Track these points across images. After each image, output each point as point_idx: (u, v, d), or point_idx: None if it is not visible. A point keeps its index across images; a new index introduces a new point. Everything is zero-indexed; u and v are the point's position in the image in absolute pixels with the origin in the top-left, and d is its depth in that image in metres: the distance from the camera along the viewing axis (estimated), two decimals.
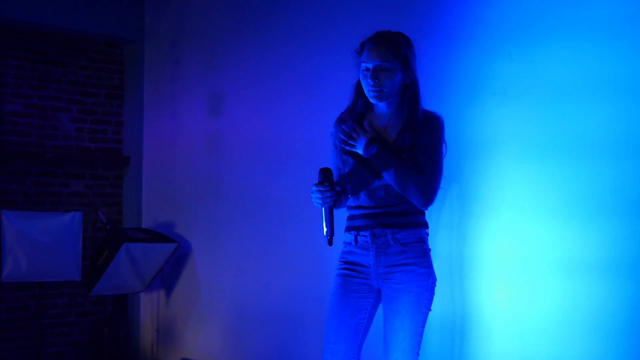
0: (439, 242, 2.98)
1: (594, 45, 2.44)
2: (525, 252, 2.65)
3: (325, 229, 2.44)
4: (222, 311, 4.49)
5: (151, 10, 5.38)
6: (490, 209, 2.79)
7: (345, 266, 2.54)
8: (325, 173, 2.42)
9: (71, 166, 5.20)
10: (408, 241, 2.45)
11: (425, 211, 2.49)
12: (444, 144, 2.45)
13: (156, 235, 4.75)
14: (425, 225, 2.50)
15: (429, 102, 2.47)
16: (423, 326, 2.41)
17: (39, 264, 4.44)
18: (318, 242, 3.67)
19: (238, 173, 4.38)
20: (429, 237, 2.51)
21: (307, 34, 3.83)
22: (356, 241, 2.51)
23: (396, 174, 2.38)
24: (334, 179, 2.46)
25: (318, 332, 3.61)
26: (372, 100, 2.47)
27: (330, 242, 2.44)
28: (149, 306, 5.20)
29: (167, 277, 5.01)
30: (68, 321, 5.16)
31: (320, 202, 2.41)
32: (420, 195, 2.37)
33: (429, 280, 2.44)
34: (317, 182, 2.41)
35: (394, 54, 2.42)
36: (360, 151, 2.47)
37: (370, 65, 2.42)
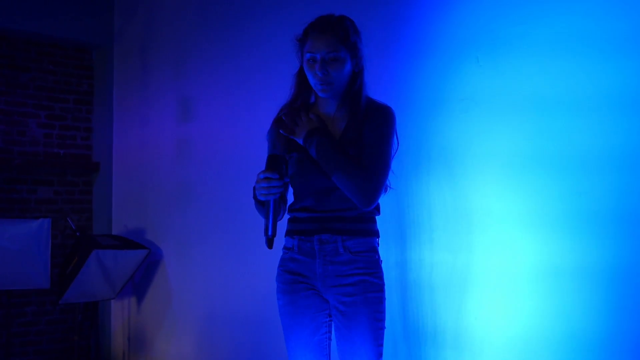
0: (400, 251, 2.99)
1: (562, 50, 2.46)
2: (503, 262, 2.65)
3: (266, 228, 2.15)
4: (194, 318, 4.47)
5: (120, 15, 5.35)
6: (467, 218, 2.80)
7: (289, 277, 2.32)
8: (274, 160, 2.15)
9: (39, 172, 5.14)
10: (359, 250, 2.23)
11: (377, 217, 2.31)
12: (394, 139, 2.25)
13: (127, 242, 4.71)
14: (376, 233, 2.30)
15: (397, 107, 2.46)
16: (382, 343, 2.22)
17: (6, 272, 4.38)
18: None
19: (208, 179, 4.37)
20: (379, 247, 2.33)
21: (276, 39, 3.83)
22: (299, 247, 2.29)
23: (336, 169, 2.15)
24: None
25: None
26: (320, 94, 2.26)
27: (270, 244, 2.16)
28: (119, 314, 5.16)
29: (138, 284, 4.97)
30: (37, 330, 5.09)
31: (266, 193, 2.12)
32: (360, 194, 2.13)
33: (381, 293, 2.24)
34: (263, 170, 2.15)
35: (343, 42, 2.21)
36: (300, 141, 2.24)
37: (317, 56, 2.21)
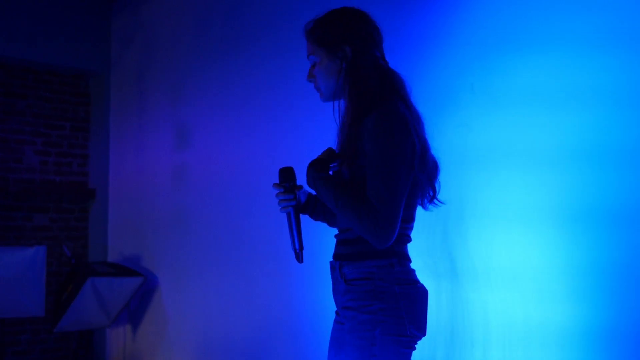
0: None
1: (556, 77, 2.48)
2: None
3: (292, 242, 2.07)
4: (190, 346, 4.43)
5: (117, 42, 5.38)
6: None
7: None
8: (283, 173, 2.08)
9: (35, 199, 5.13)
10: (352, 277, 1.92)
11: (379, 246, 1.86)
12: (398, 146, 1.82)
13: (122, 269, 4.69)
14: (380, 255, 1.90)
15: None
16: None
17: (1, 300, 4.35)
18: (286, 274, 3.66)
19: (205, 206, 4.36)
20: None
21: (272, 66, 3.85)
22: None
23: (336, 209, 1.87)
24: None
25: None
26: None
27: (299, 258, 2.04)
28: (115, 342, 5.12)
29: (134, 312, 4.94)
30: (31, 358, 5.04)
31: (280, 206, 2.06)
32: (365, 230, 1.80)
33: (375, 330, 1.84)
34: (275, 183, 2.07)
35: (317, 42, 2.01)
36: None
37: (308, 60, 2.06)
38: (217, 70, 4.34)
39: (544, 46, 2.51)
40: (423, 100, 2.95)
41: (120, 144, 5.28)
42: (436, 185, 2.02)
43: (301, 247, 2.05)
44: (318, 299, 3.38)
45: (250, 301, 3.95)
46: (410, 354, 1.91)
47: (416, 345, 1.93)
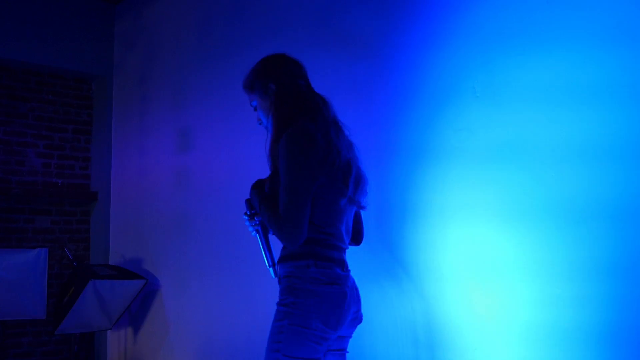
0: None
1: (557, 81, 2.49)
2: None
3: (265, 260, 2.35)
4: (191, 349, 4.44)
5: (120, 45, 5.39)
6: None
7: None
8: (247, 203, 2.36)
9: (37, 202, 5.14)
10: (281, 276, 2.26)
11: (290, 247, 2.21)
12: (295, 165, 2.13)
13: (124, 272, 4.69)
14: (299, 257, 2.20)
15: (394, 139, 2.46)
16: None
17: (2, 302, 4.36)
18: None
19: (206, 209, 4.37)
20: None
21: None
22: None
23: (263, 218, 2.23)
24: None
25: None
26: None
27: (274, 274, 2.33)
28: (116, 344, 5.12)
29: (135, 314, 4.94)
30: None
31: (249, 230, 2.38)
32: (279, 237, 2.16)
33: (284, 320, 2.15)
34: (244, 212, 2.38)
35: (250, 89, 2.40)
36: None
37: None
38: (219, 73, 4.35)
39: (546, 48, 2.52)
40: (424, 103, 2.96)
41: (122, 147, 5.29)
42: (351, 187, 2.27)
43: (273, 263, 2.33)
44: None
45: (251, 304, 3.96)
46: (315, 347, 2.15)
47: (325, 342, 2.17)
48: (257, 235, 2.37)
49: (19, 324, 4.93)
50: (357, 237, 2.50)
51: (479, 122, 2.72)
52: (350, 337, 2.40)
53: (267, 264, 2.35)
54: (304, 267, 2.19)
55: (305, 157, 2.14)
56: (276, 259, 2.33)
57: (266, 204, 2.21)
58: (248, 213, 2.36)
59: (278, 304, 2.22)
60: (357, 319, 2.35)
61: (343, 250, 2.30)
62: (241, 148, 4.09)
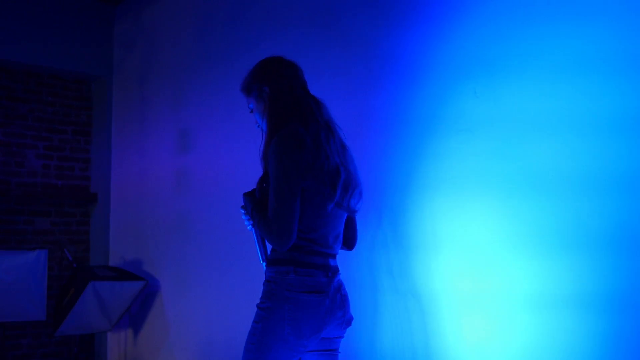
0: (399, 278, 2.97)
1: (560, 81, 2.48)
2: (492, 288, 2.66)
3: (259, 255, 2.42)
4: (191, 350, 4.43)
5: (119, 46, 5.39)
6: (455, 245, 2.80)
7: None
8: (245, 197, 2.38)
9: (37, 203, 5.14)
10: (264, 279, 2.33)
11: (280, 249, 2.26)
12: (282, 169, 2.18)
13: (124, 273, 4.69)
14: (281, 262, 2.26)
15: (395, 139, 2.45)
16: None
17: (2, 304, 4.35)
18: None
19: (206, 210, 4.36)
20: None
21: None
22: None
23: (254, 222, 2.30)
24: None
25: None
26: None
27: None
28: (116, 346, 5.11)
29: (135, 316, 4.93)
30: None
31: (245, 222, 2.41)
32: (268, 240, 2.22)
33: (259, 323, 2.24)
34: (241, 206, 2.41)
35: (246, 92, 2.45)
36: None
37: None
38: (219, 74, 4.35)
39: (546, 49, 2.51)
40: (425, 104, 2.96)
41: (122, 148, 5.29)
42: (339, 192, 2.26)
43: (266, 259, 2.37)
44: None
45: (251, 305, 3.94)
46: (285, 353, 2.20)
47: (299, 347, 2.22)
48: (253, 230, 2.41)
49: (18, 325, 4.92)
50: (349, 243, 2.51)
51: (480, 123, 2.72)
52: (342, 337, 2.42)
53: (260, 259, 2.41)
54: (284, 273, 2.24)
55: (292, 161, 2.18)
56: None
57: (257, 209, 2.26)
58: (245, 207, 2.39)
59: (257, 305, 2.29)
60: (345, 322, 2.37)
61: (329, 256, 2.32)
62: (241, 149, 4.09)
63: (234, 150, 4.16)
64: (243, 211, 2.39)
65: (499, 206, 2.64)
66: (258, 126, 2.46)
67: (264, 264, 2.38)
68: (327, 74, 3.45)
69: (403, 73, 3.08)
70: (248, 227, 2.43)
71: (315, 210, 2.25)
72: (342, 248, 2.49)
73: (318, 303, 2.23)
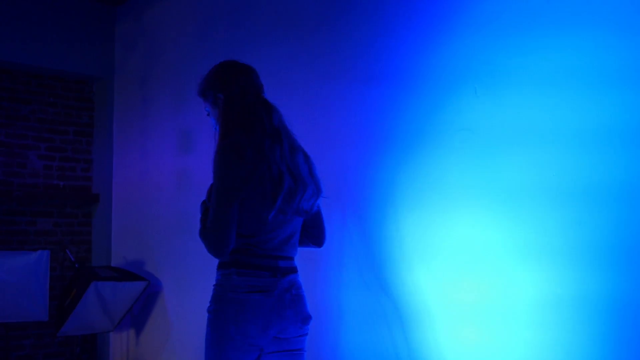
0: (400, 280, 2.97)
1: (561, 81, 2.47)
2: (491, 294, 2.65)
3: None
4: (193, 350, 4.43)
5: (121, 47, 5.39)
6: (452, 248, 2.79)
7: None
8: (202, 205, 2.44)
9: (39, 204, 5.14)
10: (213, 283, 2.38)
11: (216, 258, 2.33)
12: (221, 178, 2.24)
13: (126, 274, 4.69)
14: (225, 265, 2.33)
15: (395, 138, 2.45)
16: None
17: (4, 304, 4.36)
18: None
19: None
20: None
21: (274, 72, 3.85)
22: None
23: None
24: None
25: None
26: None
27: None
28: (118, 346, 5.12)
29: (137, 316, 4.94)
30: None
31: None
32: (206, 248, 2.28)
33: (208, 327, 2.32)
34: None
35: (203, 97, 2.50)
36: None
37: None
38: None
39: (547, 47, 2.51)
40: (424, 102, 2.95)
41: (123, 149, 5.29)
42: (279, 200, 2.27)
43: None
44: (322, 303, 3.38)
45: None
46: (235, 354, 2.25)
47: (252, 347, 2.27)
48: None
49: (21, 326, 4.93)
50: (316, 241, 2.56)
51: (480, 121, 2.72)
52: (304, 335, 2.44)
53: None
54: (227, 275, 2.30)
55: (230, 171, 2.23)
56: None
57: (202, 218, 2.34)
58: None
59: (207, 310, 2.35)
60: (301, 320, 2.39)
61: (277, 258, 2.34)
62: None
63: None
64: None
65: (498, 207, 2.64)
66: (215, 130, 2.48)
67: None
68: (328, 74, 3.45)
69: (403, 72, 3.08)
70: None
71: (255, 217, 2.28)
72: (310, 246, 2.55)
73: (261, 302, 2.28)
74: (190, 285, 4.50)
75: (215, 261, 2.41)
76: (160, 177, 4.83)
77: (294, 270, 2.40)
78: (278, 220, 2.32)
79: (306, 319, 2.41)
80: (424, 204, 2.92)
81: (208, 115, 2.50)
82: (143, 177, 5.03)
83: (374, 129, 3.18)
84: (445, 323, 2.80)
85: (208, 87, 2.47)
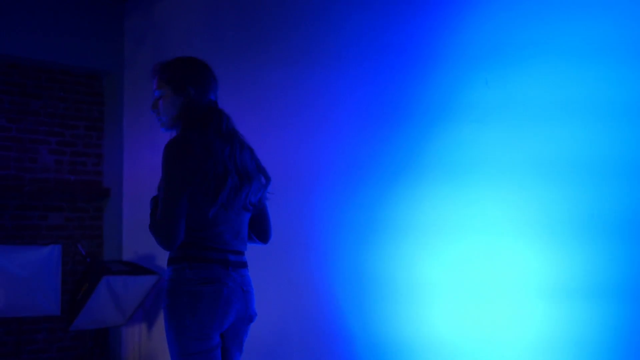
0: (408, 267, 2.96)
1: (569, 70, 2.46)
2: (505, 277, 2.64)
3: None
4: None
5: (130, 41, 5.39)
6: (469, 233, 2.78)
7: None
8: (152, 201, 2.47)
9: (50, 199, 5.15)
10: (166, 279, 2.39)
11: (167, 250, 2.34)
12: (169, 175, 2.28)
13: (137, 268, 4.70)
14: (176, 260, 2.35)
15: (406, 123, 2.45)
16: None
17: (17, 299, 4.37)
18: (298, 273, 3.65)
19: None
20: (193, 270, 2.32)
21: (283, 70, 3.84)
22: None
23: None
24: None
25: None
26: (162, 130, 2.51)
27: None
28: (130, 340, 5.13)
29: (149, 310, 4.95)
30: (48, 357, 5.07)
31: None
32: (156, 241, 2.30)
33: (165, 322, 2.33)
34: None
35: (164, 80, 2.47)
36: None
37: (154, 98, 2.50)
38: (228, 70, 4.33)
39: (559, 38, 2.49)
40: (436, 93, 2.93)
41: (134, 143, 5.29)
42: (222, 196, 2.32)
43: None
44: (328, 300, 3.37)
45: (263, 298, 3.95)
46: (194, 343, 2.28)
47: (208, 337, 2.29)
48: None
49: (33, 320, 4.95)
50: (261, 237, 2.61)
51: (491, 112, 2.70)
52: (247, 333, 2.48)
53: None
54: (180, 269, 2.32)
55: (178, 166, 2.27)
56: None
57: (152, 212, 2.40)
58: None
59: (162, 307, 2.37)
60: (248, 317, 2.43)
61: (227, 252, 2.38)
62: (251, 141, 4.08)
63: None
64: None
65: (510, 195, 2.62)
66: (157, 114, 2.50)
67: None
68: (339, 65, 3.43)
69: (414, 62, 3.06)
70: None
71: (201, 212, 2.33)
72: (256, 242, 2.60)
73: (215, 292, 2.31)
74: None
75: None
76: None
77: (244, 265, 2.45)
78: (226, 216, 2.37)
79: (252, 316, 2.46)
80: (436, 191, 2.91)
81: (157, 98, 2.49)
82: (153, 171, 5.02)
83: (388, 119, 3.16)
84: (453, 301, 2.79)
85: (178, 72, 2.47)
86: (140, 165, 5.20)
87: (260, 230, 2.58)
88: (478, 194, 2.76)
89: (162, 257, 4.84)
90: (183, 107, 2.44)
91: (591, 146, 2.38)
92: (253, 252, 4.01)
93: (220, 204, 2.31)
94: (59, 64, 5.16)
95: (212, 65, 4.32)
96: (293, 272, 3.73)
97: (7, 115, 5.02)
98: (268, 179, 2.49)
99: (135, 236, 5.20)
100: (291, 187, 3.79)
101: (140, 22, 5.30)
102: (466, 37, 2.83)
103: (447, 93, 2.89)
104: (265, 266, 3.93)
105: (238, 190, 2.38)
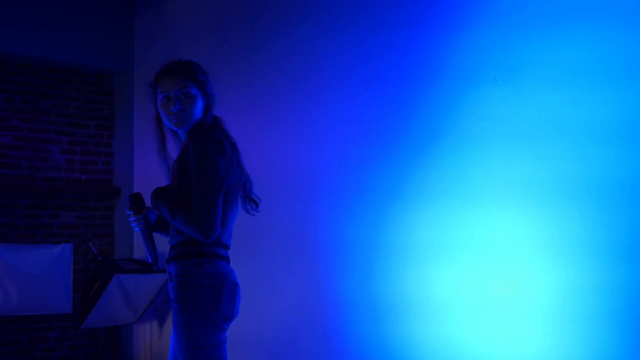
0: (417, 274, 2.96)
1: (581, 71, 2.45)
2: (523, 288, 2.62)
3: (148, 254, 2.54)
4: None
5: (140, 40, 5.40)
6: (480, 250, 2.77)
7: None
8: (131, 198, 2.52)
9: (61, 198, 5.18)
10: (174, 274, 2.41)
11: (205, 241, 2.36)
12: (211, 166, 2.33)
13: (148, 266, 4.72)
14: (191, 256, 2.39)
15: (416, 125, 2.44)
16: None
17: (29, 297, 4.40)
18: (306, 269, 3.66)
19: None
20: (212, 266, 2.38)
21: (292, 66, 3.85)
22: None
23: (171, 217, 2.38)
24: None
25: None
26: (172, 127, 2.53)
27: (155, 266, 2.54)
28: (142, 337, 5.16)
29: (160, 308, 4.97)
30: (60, 355, 5.11)
31: (133, 226, 2.54)
32: (192, 231, 2.32)
33: (183, 316, 2.34)
34: (127, 208, 2.54)
35: (192, 79, 2.50)
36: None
37: (171, 94, 2.49)
38: (239, 66, 4.35)
39: (567, 34, 2.48)
40: (445, 91, 2.93)
41: (144, 142, 5.31)
42: (252, 196, 2.55)
43: (155, 257, 2.54)
44: (340, 295, 3.38)
45: (273, 296, 3.96)
46: (216, 334, 2.35)
47: (224, 329, 2.37)
48: (142, 230, 2.54)
49: (46, 318, 4.98)
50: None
51: (501, 110, 2.69)
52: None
53: (150, 258, 2.55)
54: (198, 264, 2.36)
55: (218, 161, 2.35)
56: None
57: (177, 203, 2.37)
58: (134, 207, 2.53)
59: (174, 301, 2.38)
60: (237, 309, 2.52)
61: (228, 249, 2.50)
62: (259, 142, 4.09)
63: (251, 145, 4.16)
64: (130, 212, 2.53)
65: (518, 200, 2.61)
66: (183, 112, 2.47)
67: (155, 261, 2.55)
68: (348, 64, 3.44)
69: (424, 61, 3.06)
70: (136, 229, 2.56)
71: (228, 207, 2.43)
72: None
73: (234, 285, 2.41)
74: None
75: (235, 251, 2.43)
76: None
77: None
78: (235, 215, 2.49)
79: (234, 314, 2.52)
80: (442, 197, 2.90)
81: (189, 97, 2.48)
82: (164, 169, 5.04)
83: (397, 118, 3.16)
84: (464, 317, 2.79)
85: (205, 78, 2.56)
86: (150, 164, 5.22)
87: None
88: (490, 212, 2.74)
89: None
90: (205, 109, 2.52)
91: (601, 166, 2.37)
92: (260, 257, 4.03)
93: (245, 201, 2.46)
94: (69, 63, 5.19)
95: (222, 63, 4.36)
96: (301, 277, 3.74)
97: (18, 115, 5.05)
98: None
99: None
100: (298, 189, 3.80)
101: (150, 22, 5.32)
102: (476, 35, 2.82)
103: (455, 91, 2.88)
104: (273, 272, 3.94)
105: (250, 192, 2.55)
